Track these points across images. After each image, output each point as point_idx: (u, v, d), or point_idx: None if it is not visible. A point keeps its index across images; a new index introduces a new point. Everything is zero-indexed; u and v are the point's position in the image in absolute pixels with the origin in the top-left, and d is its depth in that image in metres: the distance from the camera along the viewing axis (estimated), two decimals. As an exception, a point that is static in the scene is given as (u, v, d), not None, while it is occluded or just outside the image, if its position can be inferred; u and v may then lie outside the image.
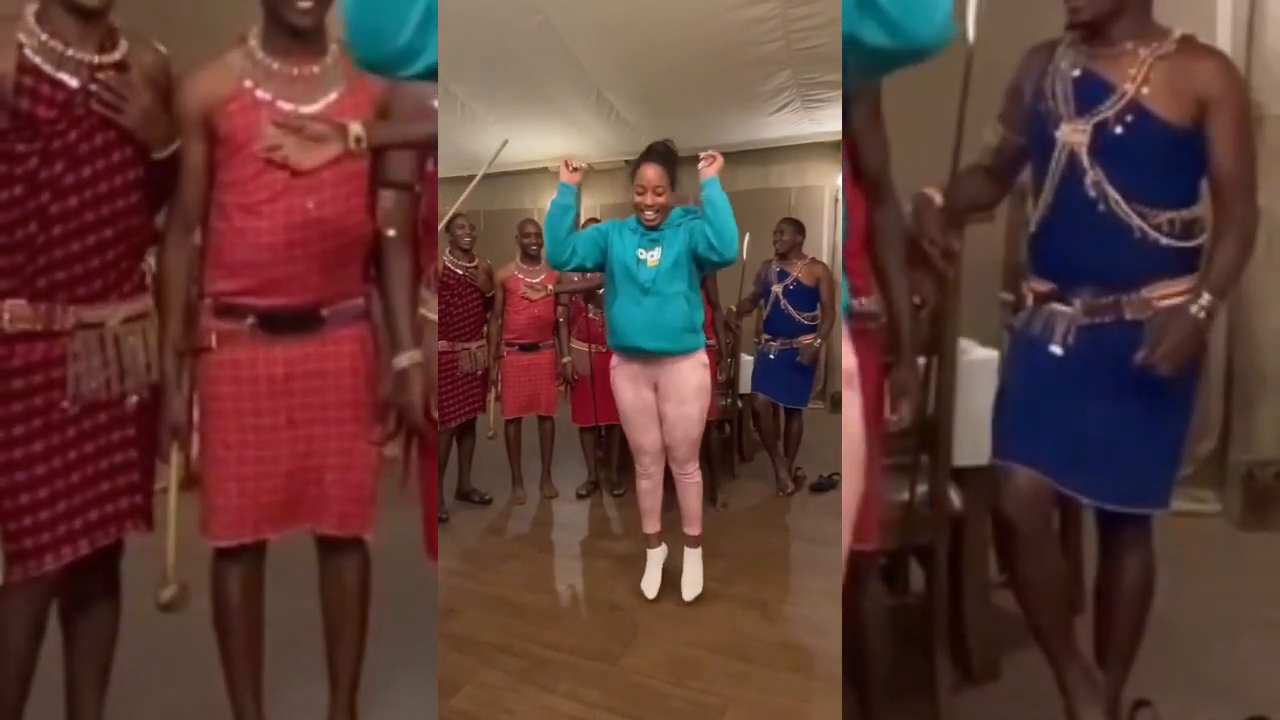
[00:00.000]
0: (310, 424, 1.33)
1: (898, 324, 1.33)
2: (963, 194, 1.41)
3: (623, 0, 3.33)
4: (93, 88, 1.17)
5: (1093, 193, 1.31)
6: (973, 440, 1.51)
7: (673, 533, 2.30)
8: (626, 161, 5.93)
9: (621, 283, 2.02)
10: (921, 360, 1.44)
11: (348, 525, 1.39)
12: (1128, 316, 1.33)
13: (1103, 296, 1.34)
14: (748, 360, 3.55)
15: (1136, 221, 1.29)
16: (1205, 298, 1.26)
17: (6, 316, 1.17)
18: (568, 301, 3.28)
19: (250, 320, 1.29)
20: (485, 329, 3.22)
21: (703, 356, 2.06)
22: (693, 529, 2.23)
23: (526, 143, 5.59)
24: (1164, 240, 1.30)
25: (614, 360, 2.12)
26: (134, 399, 1.27)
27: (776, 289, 3.31)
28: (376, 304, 1.38)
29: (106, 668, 1.37)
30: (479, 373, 3.17)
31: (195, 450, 1.33)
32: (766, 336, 3.37)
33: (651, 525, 2.26)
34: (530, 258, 3.23)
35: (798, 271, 3.29)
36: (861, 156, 1.22)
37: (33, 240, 1.16)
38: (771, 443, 3.38)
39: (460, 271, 3.11)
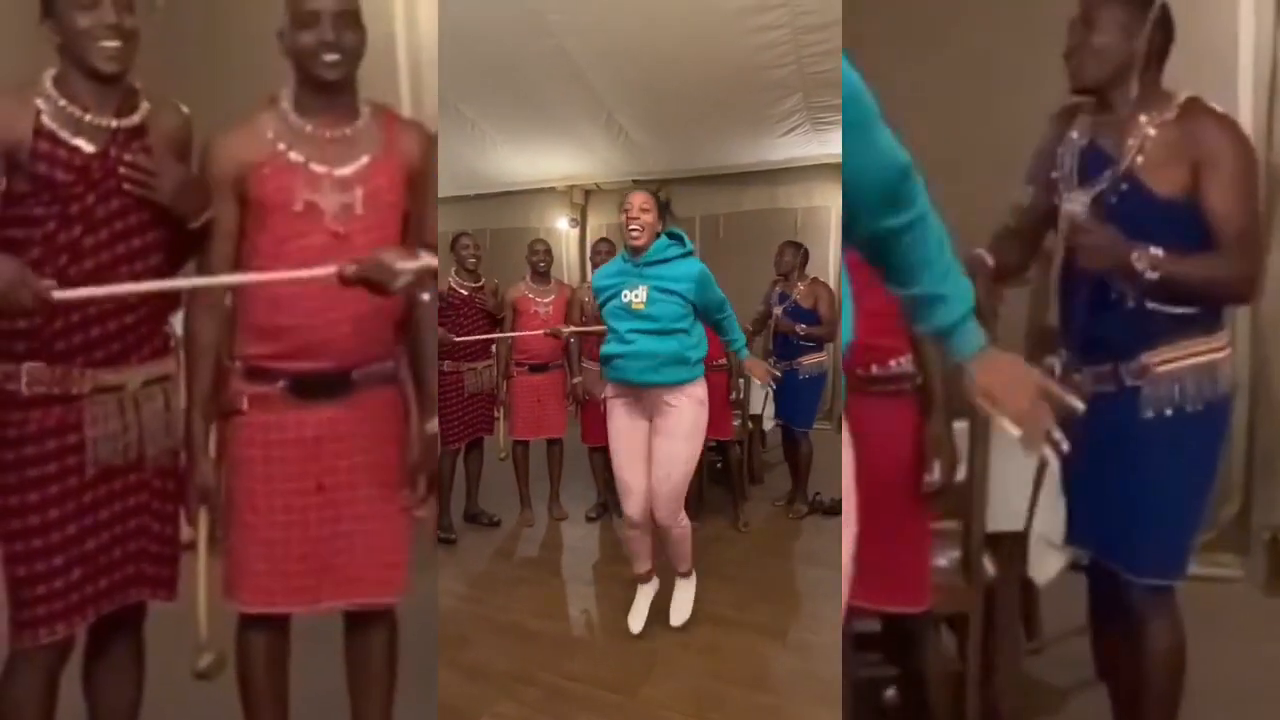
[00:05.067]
0: (339, 488, 1.29)
1: (931, 383, 1.31)
2: (998, 256, 1.41)
3: (635, 25, 3.35)
4: (122, 170, 1.16)
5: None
6: (1005, 505, 1.47)
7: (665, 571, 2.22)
8: (635, 182, 6.01)
9: (611, 321, 2.01)
10: (956, 425, 1.41)
11: (378, 593, 1.34)
12: (1127, 383, 1.32)
13: (1104, 364, 1.34)
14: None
15: (1129, 290, 1.28)
16: (1156, 254, 1.22)
17: (24, 379, 1.14)
18: (578, 320, 3.26)
19: (281, 384, 1.26)
20: (493, 348, 3.19)
21: (698, 391, 1.99)
22: (683, 566, 2.15)
23: (535, 163, 5.62)
24: (1159, 308, 1.29)
25: (609, 389, 2.07)
26: (153, 464, 1.24)
27: (777, 311, 3.31)
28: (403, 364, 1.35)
29: None
30: (485, 392, 3.14)
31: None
32: (773, 359, 3.35)
33: (642, 566, 2.15)
34: (540, 276, 3.21)
35: (797, 293, 3.29)
36: None
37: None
38: (793, 465, 3.35)
39: (465, 292, 3.08)
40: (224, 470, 1.29)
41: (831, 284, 3.71)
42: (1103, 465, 1.33)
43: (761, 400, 3.49)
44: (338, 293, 1.22)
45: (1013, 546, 1.56)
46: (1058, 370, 1.42)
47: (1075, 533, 1.38)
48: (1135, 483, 1.31)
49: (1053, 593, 1.68)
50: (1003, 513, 1.49)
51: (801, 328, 3.22)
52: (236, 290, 1.28)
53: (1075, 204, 1.32)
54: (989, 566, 1.54)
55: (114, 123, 1.16)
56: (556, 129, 4.74)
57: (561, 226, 6.57)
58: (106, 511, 1.20)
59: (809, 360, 3.28)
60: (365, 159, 1.25)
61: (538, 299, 3.18)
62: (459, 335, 3.05)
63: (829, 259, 5.24)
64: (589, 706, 1.80)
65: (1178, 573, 1.32)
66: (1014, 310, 1.56)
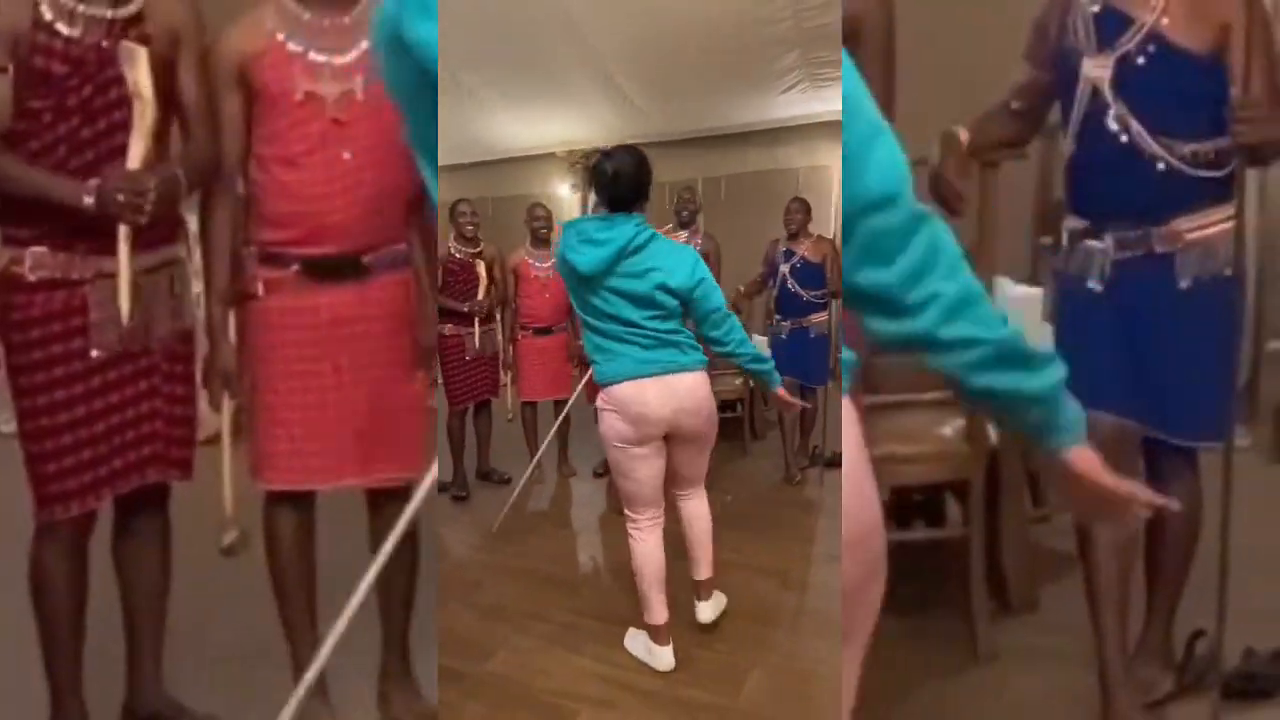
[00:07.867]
0: (357, 369, 1.34)
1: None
2: (991, 133, 1.41)
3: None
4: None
5: (1116, 127, 1.31)
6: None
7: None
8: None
9: None
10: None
11: (398, 469, 1.38)
12: (1157, 249, 1.33)
13: (1132, 230, 1.34)
14: (759, 340, 3.58)
15: (1161, 153, 1.29)
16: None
17: (29, 263, 1.20)
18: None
19: (295, 268, 1.31)
20: (496, 314, 3.22)
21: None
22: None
23: (534, 128, 5.58)
24: (1190, 171, 1.29)
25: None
26: (161, 348, 1.30)
27: (784, 268, 3.33)
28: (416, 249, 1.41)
29: (162, 607, 1.41)
30: (486, 356, 3.19)
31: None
32: (778, 318, 3.39)
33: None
34: (540, 242, 3.24)
35: (803, 250, 3.31)
36: None
37: None
38: (789, 428, 3.36)
39: (462, 257, 3.11)
40: (244, 354, 1.35)
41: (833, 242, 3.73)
42: (1135, 331, 1.34)
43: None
44: (342, 178, 1.27)
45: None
46: (1065, 240, 1.42)
47: (1105, 397, 1.32)
48: (1175, 348, 1.33)
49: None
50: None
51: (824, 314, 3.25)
52: (246, 178, 1.33)
53: (1099, 69, 1.31)
54: (992, 433, 1.54)
55: (109, 13, 1.18)
56: (555, 91, 4.71)
57: (563, 193, 6.56)
58: (116, 395, 1.26)
59: (817, 318, 3.31)
60: (365, 45, 1.25)
61: (538, 264, 3.21)
62: (458, 300, 3.07)
63: (830, 217, 5.23)
64: (596, 639, 1.91)
65: (1219, 433, 1.33)
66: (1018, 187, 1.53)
